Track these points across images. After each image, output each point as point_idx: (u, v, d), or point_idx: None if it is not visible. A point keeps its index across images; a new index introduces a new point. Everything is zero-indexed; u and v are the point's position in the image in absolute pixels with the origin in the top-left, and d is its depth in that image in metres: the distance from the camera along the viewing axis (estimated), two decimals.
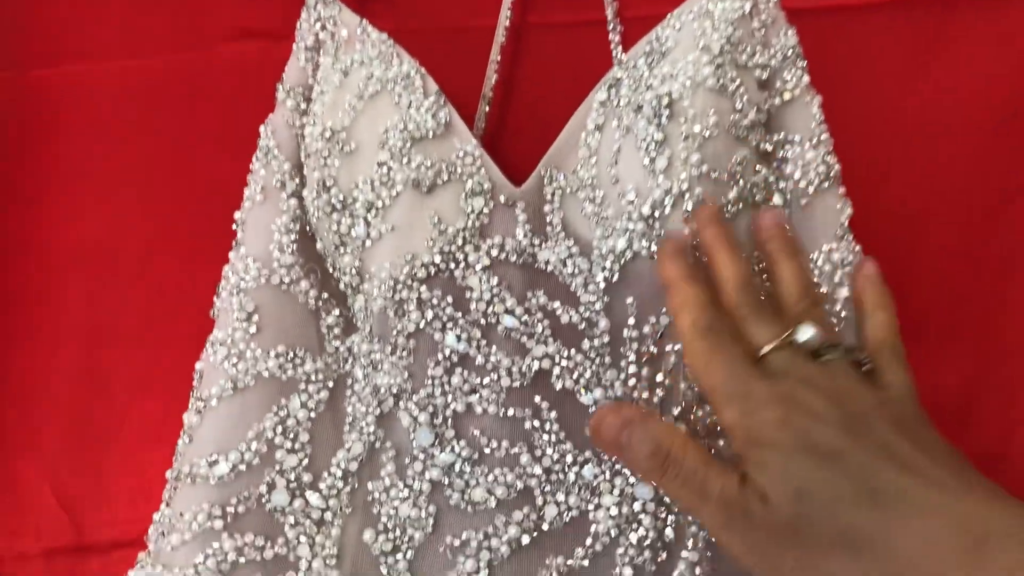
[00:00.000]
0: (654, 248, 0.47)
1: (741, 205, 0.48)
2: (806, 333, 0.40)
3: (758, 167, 0.49)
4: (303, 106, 0.53)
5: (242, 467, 0.48)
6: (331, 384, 0.50)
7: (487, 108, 0.58)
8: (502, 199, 0.50)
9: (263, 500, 0.47)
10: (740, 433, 0.37)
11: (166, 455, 0.52)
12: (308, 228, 0.52)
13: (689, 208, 0.47)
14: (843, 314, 0.47)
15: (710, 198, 0.48)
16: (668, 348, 0.47)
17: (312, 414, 0.49)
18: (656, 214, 0.47)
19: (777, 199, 0.49)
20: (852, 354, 0.40)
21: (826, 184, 0.49)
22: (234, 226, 0.54)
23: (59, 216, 0.65)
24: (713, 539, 0.44)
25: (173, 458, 0.50)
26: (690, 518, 0.45)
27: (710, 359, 0.39)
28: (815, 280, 0.46)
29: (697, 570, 0.44)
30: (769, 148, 0.50)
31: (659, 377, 0.47)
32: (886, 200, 0.60)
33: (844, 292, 0.47)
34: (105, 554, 0.62)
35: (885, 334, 0.42)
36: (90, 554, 0.63)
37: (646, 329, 0.47)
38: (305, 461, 0.48)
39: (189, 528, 0.47)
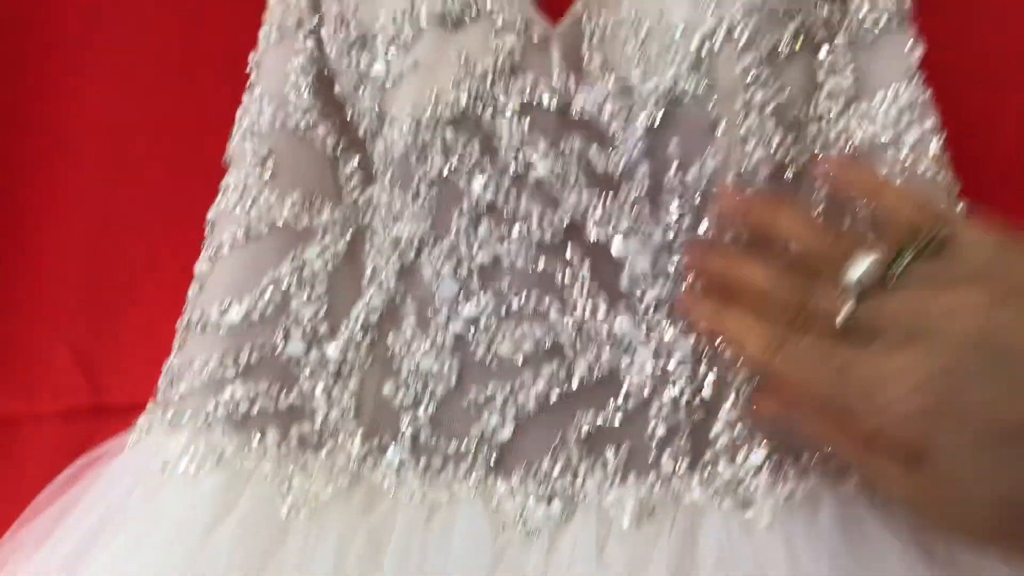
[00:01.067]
0: (701, 88, 0.43)
1: (799, 43, 0.44)
2: (858, 268, 0.36)
3: (819, 1, 0.44)
4: None
5: (255, 315, 0.45)
6: (349, 236, 0.47)
7: None
8: (536, 37, 0.46)
9: (277, 350, 0.45)
10: (862, 406, 0.34)
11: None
12: (326, 71, 0.49)
13: (742, 44, 0.43)
14: (908, 161, 0.43)
15: (764, 33, 0.43)
16: (713, 195, 0.44)
17: (329, 265, 0.46)
18: (705, 50, 0.43)
19: (840, 39, 0.45)
20: (915, 243, 0.36)
21: (895, 22, 0.45)
22: (248, 68, 0.50)
23: (69, 63, 0.62)
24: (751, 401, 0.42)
25: (183, 308, 0.48)
26: (729, 377, 0.42)
27: (803, 372, 0.36)
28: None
29: (736, 429, 0.42)
30: None
31: (702, 228, 0.44)
32: None
33: (912, 135, 0.43)
34: (122, 415, 0.61)
35: (909, 207, 0.37)
36: (108, 415, 0.61)
37: (690, 176, 0.44)
38: (322, 312, 0.46)
39: (200, 375, 0.45)
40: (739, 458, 0.41)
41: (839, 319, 0.36)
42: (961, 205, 0.43)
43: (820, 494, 0.40)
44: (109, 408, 0.61)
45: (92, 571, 0.41)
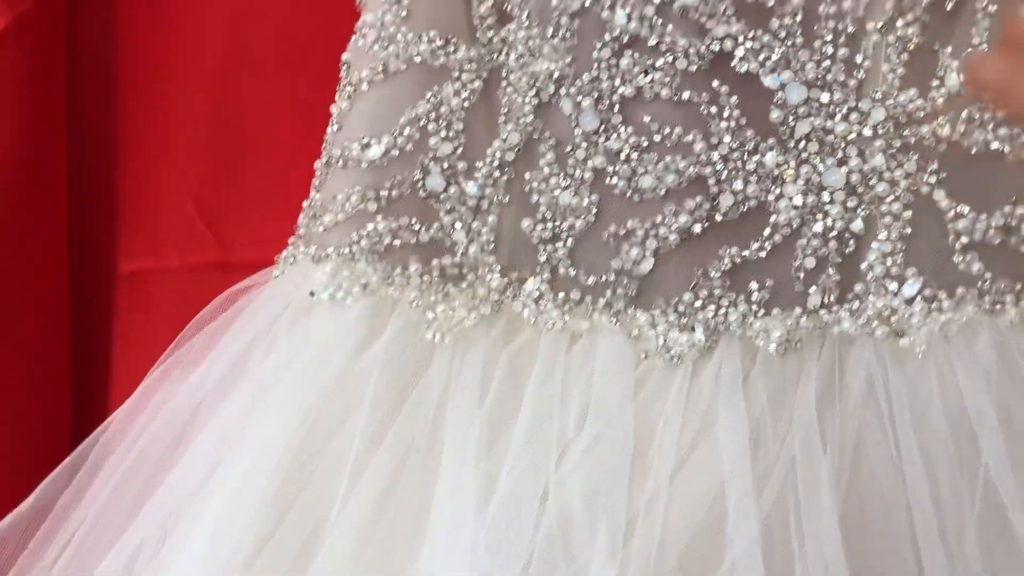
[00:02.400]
0: None
1: None
2: None
3: None
4: None
5: (395, 152, 0.45)
6: (484, 75, 0.47)
7: None
8: None
9: (418, 185, 0.45)
10: None
11: (304, 177, 0.50)
12: None
13: None
14: None
15: None
16: (870, 26, 0.42)
17: (466, 103, 0.46)
18: None
19: None
20: None
21: None
22: None
23: None
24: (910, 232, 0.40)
25: (321, 148, 0.48)
26: (883, 208, 0.41)
27: None
28: None
29: (888, 261, 0.41)
30: None
31: (858, 58, 0.42)
32: None
33: None
34: (247, 272, 0.63)
35: None
36: (233, 271, 0.63)
37: (846, 4, 0.42)
38: (460, 149, 0.46)
39: (342, 209, 0.45)
40: (891, 288, 0.40)
41: None
42: None
43: (977, 325, 0.39)
44: (234, 265, 0.63)
45: (243, 391, 0.43)
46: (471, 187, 0.46)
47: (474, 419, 0.40)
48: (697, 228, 0.43)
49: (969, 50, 0.41)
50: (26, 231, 0.60)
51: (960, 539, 0.35)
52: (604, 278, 0.43)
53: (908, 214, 0.41)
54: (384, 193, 0.45)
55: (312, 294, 0.44)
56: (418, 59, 0.46)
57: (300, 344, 0.43)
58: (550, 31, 0.45)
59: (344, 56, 0.49)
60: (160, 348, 0.61)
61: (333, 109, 0.48)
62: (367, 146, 0.46)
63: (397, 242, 0.45)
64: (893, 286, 0.40)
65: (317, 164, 0.48)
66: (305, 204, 0.48)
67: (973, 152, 0.41)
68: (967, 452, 0.36)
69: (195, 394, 0.44)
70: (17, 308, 0.60)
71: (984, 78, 0.38)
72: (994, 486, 0.36)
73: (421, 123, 0.46)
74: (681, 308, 0.42)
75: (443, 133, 0.46)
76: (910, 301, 0.40)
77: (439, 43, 0.46)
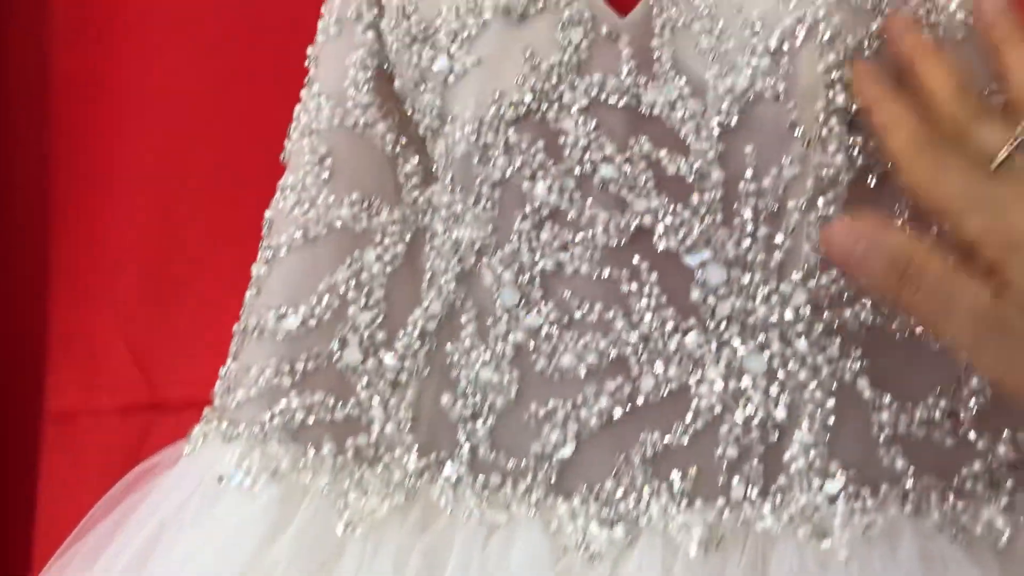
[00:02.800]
0: (780, 88, 0.41)
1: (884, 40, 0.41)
2: None
3: None
4: None
5: (312, 322, 0.44)
6: (408, 237, 0.46)
7: None
8: (604, 31, 0.43)
9: (334, 358, 0.44)
10: (993, 239, 0.34)
11: (237, 316, 0.49)
12: (386, 66, 0.47)
13: (824, 41, 0.40)
14: None
15: (849, 29, 0.40)
16: (791, 204, 0.41)
17: (388, 268, 0.45)
18: (785, 47, 0.40)
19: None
20: None
21: None
22: (307, 63, 0.49)
23: (130, 58, 0.61)
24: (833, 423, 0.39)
25: (240, 311, 0.47)
26: (806, 396, 0.40)
27: (938, 170, 0.36)
28: None
29: (811, 453, 0.39)
30: None
31: (778, 238, 0.41)
32: None
33: None
34: (179, 412, 0.61)
35: None
36: (164, 411, 0.62)
37: (766, 182, 0.41)
38: (379, 319, 0.45)
39: (255, 384, 0.44)
40: (814, 485, 0.39)
41: (1002, 153, 0.36)
42: None
43: (900, 527, 0.38)
44: (165, 404, 0.62)
45: None
46: (390, 359, 0.44)
47: None
48: (618, 411, 0.41)
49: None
50: None
51: None
52: (524, 462, 0.42)
53: (831, 403, 0.40)
54: (299, 366, 0.44)
55: (221, 479, 0.42)
56: (339, 223, 0.45)
57: (208, 535, 0.41)
58: (472, 199, 0.44)
59: (267, 214, 0.48)
60: (87, 489, 0.59)
61: (253, 270, 0.47)
62: (283, 316, 0.44)
63: (311, 419, 0.43)
64: (816, 482, 0.39)
65: (235, 328, 0.47)
66: (221, 372, 0.47)
67: (897, 339, 0.40)
68: None
69: None
70: None
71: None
72: None
73: (340, 291, 0.45)
74: (603, 497, 0.41)
75: (362, 301, 0.45)
76: (833, 499, 0.38)
77: (362, 205, 0.46)
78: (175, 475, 0.44)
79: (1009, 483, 0.38)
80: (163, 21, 0.60)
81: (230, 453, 0.43)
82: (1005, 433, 0.39)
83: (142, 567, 0.41)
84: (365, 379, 0.44)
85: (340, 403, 0.44)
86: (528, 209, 0.43)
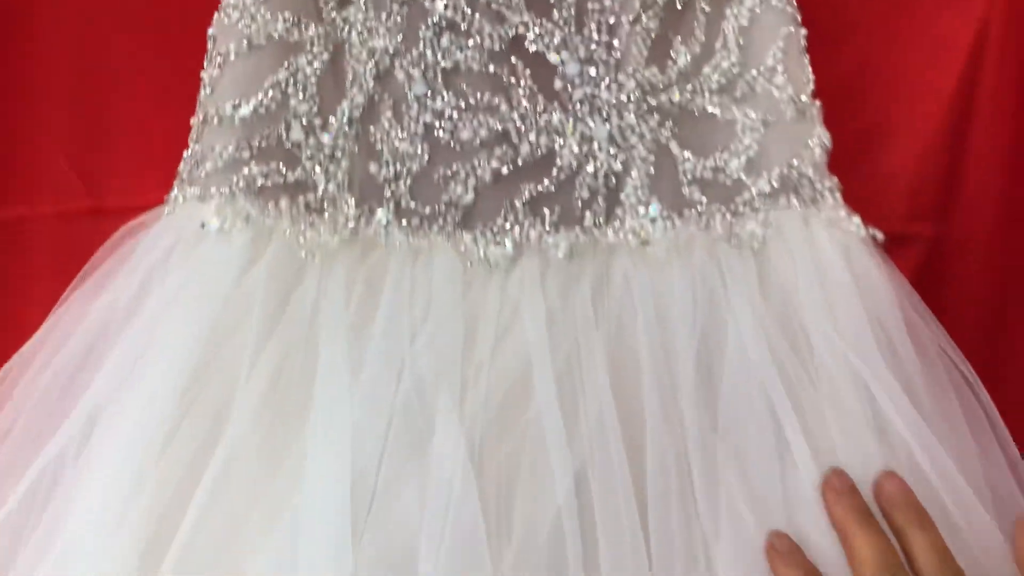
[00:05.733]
0: None
1: None
2: None
3: None
4: None
5: (262, 110, 0.56)
6: (331, 48, 0.58)
7: None
8: None
9: (282, 137, 0.56)
10: None
11: (169, 126, 0.60)
12: None
13: None
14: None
15: None
16: (624, 18, 0.57)
17: (318, 71, 0.57)
18: None
19: None
20: None
21: None
22: None
23: None
24: (653, 171, 0.56)
25: (196, 108, 0.58)
26: (634, 154, 0.57)
27: None
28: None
29: (639, 192, 0.56)
30: None
31: (616, 43, 0.57)
32: None
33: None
34: (119, 217, 0.70)
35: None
36: (104, 217, 0.70)
37: (607, 3, 0.57)
38: (315, 108, 0.57)
39: (220, 158, 0.55)
40: (640, 212, 0.56)
41: None
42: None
43: (695, 235, 0.55)
44: (105, 211, 0.70)
45: (149, 309, 0.53)
46: (326, 138, 0.57)
47: (341, 318, 0.53)
48: (504, 170, 0.57)
49: None
50: None
51: (675, 380, 0.51)
52: (437, 208, 0.57)
53: (652, 158, 0.57)
54: (255, 143, 0.56)
55: (203, 226, 0.54)
56: (275, 35, 0.57)
57: (195, 268, 0.53)
58: (384, 15, 0.57)
59: (210, 31, 0.58)
60: (36, 291, 0.69)
61: (203, 75, 0.58)
62: (237, 106, 0.56)
63: (269, 182, 0.56)
64: (641, 210, 0.56)
65: (193, 120, 0.58)
66: (186, 154, 0.57)
67: (696, 114, 0.58)
68: (688, 321, 0.53)
69: (105, 315, 0.53)
70: None
71: None
72: (706, 342, 0.52)
73: (282, 87, 0.57)
74: (496, 229, 0.56)
75: (300, 95, 0.57)
76: (653, 220, 0.56)
77: (292, 22, 0.57)
78: (159, 228, 0.55)
79: (764, 204, 0.56)
80: None
81: (206, 208, 0.54)
82: (763, 174, 0.57)
83: (143, 299, 0.53)
84: (308, 152, 0.57)
85: (290, 170, 0.56)
86: (430, 22, 0.56)
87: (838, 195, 0.56)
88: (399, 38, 0.57)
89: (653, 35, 0.57)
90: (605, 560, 0.47)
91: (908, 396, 0.48)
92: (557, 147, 0.57)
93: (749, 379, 0.49)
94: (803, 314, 0.51)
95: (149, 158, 0.70)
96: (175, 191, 0.57)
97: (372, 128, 0.57)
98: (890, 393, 0.48)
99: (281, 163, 0.56)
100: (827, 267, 0.52)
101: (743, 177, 0.57)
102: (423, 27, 0.56)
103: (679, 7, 0.58)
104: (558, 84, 0.57)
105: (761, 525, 0.46)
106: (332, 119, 0.57)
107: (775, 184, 0.56)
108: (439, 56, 0.57)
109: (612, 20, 0.57)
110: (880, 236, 0.56)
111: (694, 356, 0.51)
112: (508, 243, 0.56)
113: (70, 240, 0.70)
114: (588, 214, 0.57)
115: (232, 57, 0.57)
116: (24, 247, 0.71)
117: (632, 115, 0.57)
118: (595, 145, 0.57)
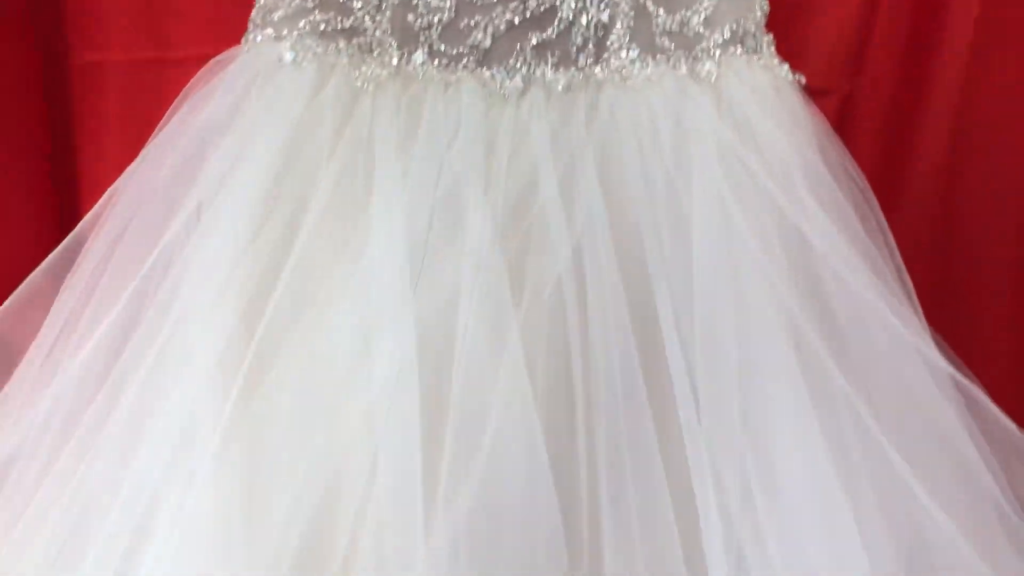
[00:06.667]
0: None
1: None
2: None
3: None
4: None
5: None
6: None
7: None
8: None
9: None
10: None
11: None
12: None
13: None
14: None
15: None
16: None
17: None
18: None
19: None
20: None
21: None
22: None
23: None
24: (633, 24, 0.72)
25: None
26: (618, 10, 0.72)
27: None
28: None
29: (623, 39, 0.72)
30: None
31: None
32: None
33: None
34: (179, 67, 0.83)
35: None
36: (167, 66, 0.84)
37: None
38: None
39: (289, 6, 0.69)
40: (623, 55, 0.72)
41: None
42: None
43: (665, 71, 0.71)
44: (167, 60, 0.84)
45: (239, 124, 0.67)
46: None
47: (392, 131, 0.68)
48: (516, 20, 0.71)
49: None
50: None
51: (650, 174, 0.68)
52: (462, 50, 0.71)
53: (632, 13, 0.72)
54: None
55: (280, 59, 0.68)
56: None
57: (274, 93, 0.68)
58: None
59: None
60: (112, 130, 0.82)
61: None
62: None
63: (329, 28, 0.70)
64: (624, 53, 0.72)
65: None
66: (259, 3, 0.71)
67: None
68: (660, 133, 0.69)
69: (204, 127, 0.67)
70: None
71: None
72: (674, 146, 0.68)
73: None
74: (509, 67, 0.71)
75: None
76: (633, 61, 0.71)
77: None
78: (241, 63, 0.69)
79: (718, 51, 0.72)
80: None
81: (282, 45, 0.68)
82: (718, 29, 0.72)
83: (233, 116, 0.67)
84: (359, 3, 0.70)
85: (344, 18, 0.70)
86: None
87: (773, 48, 0.73)
88: None
89: None
90: (594, 318, 0.64)
91: (814, 179, 0.66)
92: (558, 2, 0.72)
93: (706, 167, 0.66)
94: (752, 122, 0.68)
95: (206, 16, 0.83)
96: (250, 33, 0.70)
97: None
98: (804, 171, 0.66)
99: (338, 12, 0.70)
100: (763, 94, 0.69)
101: (702, 31, 0.72)
102: None
103: None
104: None
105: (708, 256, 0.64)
106: None
107: (726, 36, 0.72)
108: None
109: None
110: (803, 80, 0.73)
111: (666, 156, 0.67)
112: (519, 78, 0.71)
113: (139, 85, 0.84)
114: (582, 56, 0.72)
115: None
116: (99, 90, 0.84)
117: None
118: (588, 1, 0.72)
